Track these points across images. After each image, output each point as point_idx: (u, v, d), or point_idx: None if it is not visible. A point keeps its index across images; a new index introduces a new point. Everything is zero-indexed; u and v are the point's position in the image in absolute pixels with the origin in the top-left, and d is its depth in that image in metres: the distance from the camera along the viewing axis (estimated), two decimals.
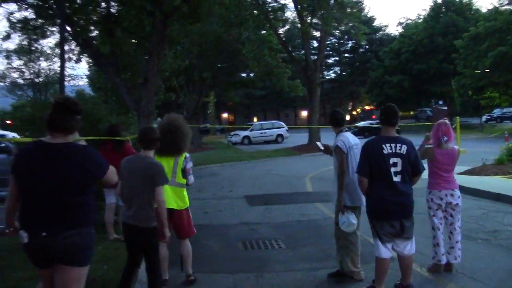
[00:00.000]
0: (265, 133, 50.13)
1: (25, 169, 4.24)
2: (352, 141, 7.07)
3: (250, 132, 50.58)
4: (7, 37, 22.54)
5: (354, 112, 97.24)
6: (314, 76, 35.80)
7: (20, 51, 42.35)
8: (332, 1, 27.47)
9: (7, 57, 48.79)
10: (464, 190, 14.19)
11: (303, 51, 40.06)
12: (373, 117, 78.83)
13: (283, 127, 51.04)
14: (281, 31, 40.43)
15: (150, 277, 5.95)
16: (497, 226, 10.23)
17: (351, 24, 37.64)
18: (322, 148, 8.05)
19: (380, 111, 6.65)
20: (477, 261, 7.82)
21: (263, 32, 33.15)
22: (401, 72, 64.64)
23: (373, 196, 6.25)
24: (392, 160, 6.14)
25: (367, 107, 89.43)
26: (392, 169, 6.14)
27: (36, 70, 61.64)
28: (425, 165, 7.00)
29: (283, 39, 37.38)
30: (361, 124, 56.89)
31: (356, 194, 6.88)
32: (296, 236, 10.10)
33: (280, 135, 49.46)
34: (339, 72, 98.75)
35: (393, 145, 6.20)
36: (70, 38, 18.62)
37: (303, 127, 34.28)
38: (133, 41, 19.10)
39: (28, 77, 61.69)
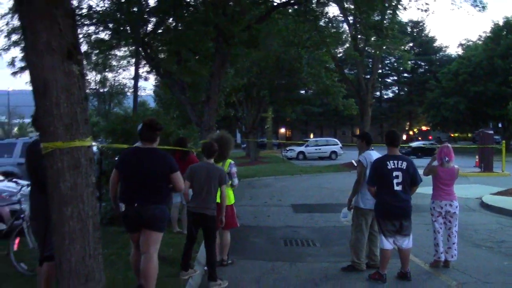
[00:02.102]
0: (319, 149, 51.55)
1: (127, 164, 6.75)
2: (375, 158, 8.83)
3: (305, 148, 52.13)
4: (87, 57, 24.71)
5: (410, 132, 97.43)
6: (366, 97, 37.20)
7: (95, 68, 44.94)
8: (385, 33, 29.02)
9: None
10: (489, 208, 15.84)
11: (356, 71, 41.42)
12: (430, 137, 79.29)
13: (337, 144, 52.22)
14: (338, 50, 41.90)
15: (208, 254, 8.04)
16: (505, 238, 11.73)
17: (397, 51, 38.66)
18: (355, 164, 9.94)
19: (385, 135, 8.61)
20: (473, 261, 9.49)
21: (320, 51, 34.56)
22: (458, 94, 64.01)
23: (379, 200, 8.17)
24: (394, 173, 8.06)
25: (424, 128, 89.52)
26: (395, 180, 8.04)
27: (102, 80, 63.94)
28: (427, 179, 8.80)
29: (338, 60, 38.88)
30: (415, 144, 57.65)
31: (372, 200, 8.62)
32: (331, 238, 11.84)
33: (334, 152, 50.63)
34: (397, 91, 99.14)
35: (395, 161, 8.11)
36: (142, 57, 20.77)
37: (354, 145, 35.60)
38: (197, 58, 21.03)
39: (94, 87, 64.19)
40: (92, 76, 58.24)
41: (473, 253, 10.14)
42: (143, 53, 19.90)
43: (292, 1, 18.90)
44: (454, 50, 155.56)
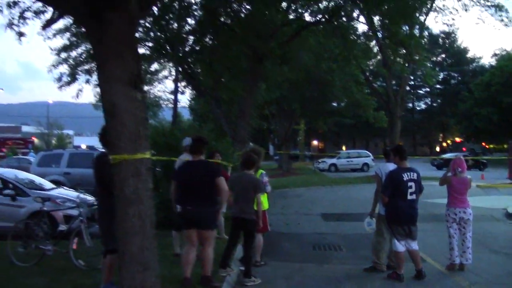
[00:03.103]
0: (351, 161, 52.23)
1: (182, 174, 8.26)
2: (390, 169, 9.84)
3: (337, 160, 52.86)
4: None
5: (444, 144, 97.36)
6: (395, 109, 38.04)
7: None
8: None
9: None
10: None
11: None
12: (463, 149, 79.18)
13: (369, 156, 52.71)
14: (368, 63, 42.63)
15: (245, 253, 9.16)
16: None
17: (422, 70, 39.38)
18: None
19: (395, 149, 9.86)
20: (487, 265, 10.43)
21: (350, 65, 35.27)
22: (491, 105, 63.83)
23: (394, 208, 9.21)
24: (409, 184, 9.18)
25: (457, 139, 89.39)
26: (409, 190, 9.14)
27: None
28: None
29: (368, 73, 39.68)
30: (447, 156, 57.93)
31: None
32: (356, 244, 12.80)
33: (365, 164, 51.09)
34: (429, 102, 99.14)
35: (409, 173, 9.27)
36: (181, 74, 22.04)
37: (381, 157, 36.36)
38: (230, 74, 22.18)
39: None
40: None
41: (489, 258, 11.05)
42: (180, 69, 21.15)
43: (322, 20, 19.86)
44: (488, 60, 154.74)
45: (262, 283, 8.97)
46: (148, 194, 6.26)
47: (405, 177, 9.21)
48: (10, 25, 9.61)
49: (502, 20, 28.58)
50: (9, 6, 9.53)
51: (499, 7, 29.19)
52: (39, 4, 9.87)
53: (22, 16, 9.71)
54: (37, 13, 10.22)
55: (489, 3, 28.68)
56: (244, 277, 8.95)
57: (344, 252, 11.91)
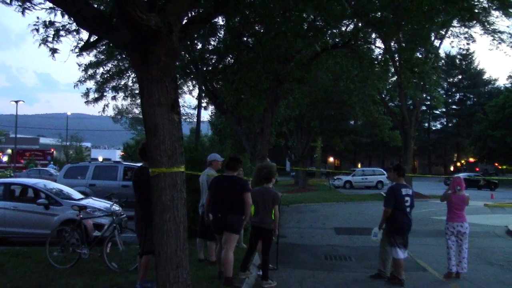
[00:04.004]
0: (366, 179, 52.96)
1: (216, 186, 9.43)
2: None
3: (352, 177, 53.64)
4: None
5: (458, 164, 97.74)
6: (409, 130, 38.92)
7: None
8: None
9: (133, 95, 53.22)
10: None
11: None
12: (477, 169, 79.70)
13: (384, 174, 53.27)
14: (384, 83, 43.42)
15: (263, 259, 10.14)
16: None
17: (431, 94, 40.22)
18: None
19: (395, 167, 10.95)
20: (481, 274, 11.42)
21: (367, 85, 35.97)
22: (505, 127, 64.74)
23: (396, 220, 10.31)
24: (406, 198, 10.33)
25: (471, 159, 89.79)
26: (406, 204, 10.30)
27: None
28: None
29: (383, 94, 40.50)
30: (460, 175, 58.47)
31: None
32: (366, 255, 13.72)
33: (380, 182, 51.68)
34: (445, 123, 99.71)
35: (406, 189, 10.46)
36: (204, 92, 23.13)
37: None
38: (251, 92, 23.14)
39: None
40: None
41: (484, 269, 12.03)
42: (204, 88, 22.24)
43: (340, 44, 20.76)
44: (503, 82, 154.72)
45: (277, 286, 9.95)
46: (182, 202, 7.30)
47: (403, 192, 10.40)
48: (44, 41, 10.38)
49: None
50: (45, 25, 10.35)
51: (511, 34, 30.08)
52: (74, 24, 10.65)
53: (57, 35, 10.48)
54: (71, 31, 10.99)
55: (499, 31, 29.52)
56: (262, 279, 9.95)
57: (353, 262, 12.83)
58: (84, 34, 12.97)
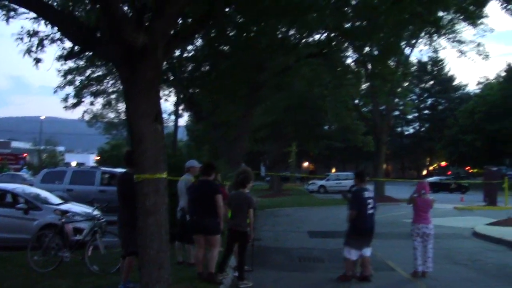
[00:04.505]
0: (340, 183, 53.59)
1: (193, 191, 10.10)
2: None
3: (326, 181, 54.37)
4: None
5: (430, 168, 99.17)
6: (381, 135, 39.80)
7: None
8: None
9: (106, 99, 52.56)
10: (479, 236, 18.34)
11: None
12: (448, 173, 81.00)
13: None
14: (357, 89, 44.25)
15: (239, 261, 10.65)
16: (481, 258, 14.24)
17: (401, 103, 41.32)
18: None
19: (356, 173, 11.83)
20: (446, 273, 12.07)
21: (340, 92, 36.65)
22: (475, 132, 66.05)
23: (359, 221, 10.98)
24: (368, 201, 11.00)
25: (443, 163, 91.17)
26: (369, 206, 10.95)
27: None
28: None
29: (357, 100, 41.23)
30: (431, 179, 59.52)
31: None
32: (339, 257, 14.08)
33: (353, 186, 52.33)
34: (418, 128, 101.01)
35: (367, 192, 11.16)
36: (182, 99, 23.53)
37: (374, 179, 38.34)
38: (228, 99, 23.58)
39: (124, 117, 65.97)
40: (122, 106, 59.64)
41: (449, 268, 12.71)
42: (181, 95, 22.66)
43: (314, 54, 21.32)
44: (473, 88, 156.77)
45: (253, 286, 10.45)
46: (164, 207, 7.81)
47: (366, 195, 11.08)
48: (28, 51, 10.64)
49: (480, 55, 30.47)
50: (29, 35, 10.67)
51: (478, 44, 31.17)
52: (58, 33, 10.94)
53: (41, 44, 10.76)
54: (55, 40, 11.26)
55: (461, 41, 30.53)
56: (238, 280, 10.45)
57: (326, 263, 13.38)
58: (68, 42, 13.27)
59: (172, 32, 8.08)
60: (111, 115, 54.51)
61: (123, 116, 63.20)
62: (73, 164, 66.73)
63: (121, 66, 7.70)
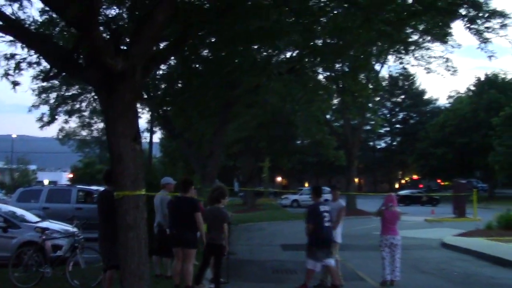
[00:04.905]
0: None
1: (172, 207, 10.58)
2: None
3: (299, 196, 54.79)
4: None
5: (402, 181, 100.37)
6: (352, 149, 40.59)
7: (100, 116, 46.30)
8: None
9: (80, 117, 51.74)
10: (446, 246, 18.98)
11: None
12: (420, 186, 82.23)
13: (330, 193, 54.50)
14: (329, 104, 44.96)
15: (215, 273, 11.07)
16: (447, 267, 14.96)
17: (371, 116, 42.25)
18: None
19: (312, 189, 12.74)
20: (413, 281, 12.82)
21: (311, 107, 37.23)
22: (445, 145, 66.86)
23: (317, 234, 11.43)
24: (324, 214, 11.50)
25: (415, 176, 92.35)
26: (325, 219, 11.45)
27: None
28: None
29: (329, 115, 41.97)
30: (403, 192, 60.38)
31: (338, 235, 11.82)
32: (302, 267, 14.79)
33: (326, 200, 52.79)
34: (389, 141, 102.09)
35: (324, 206, 11.78)
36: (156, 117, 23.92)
37: (346, 193, 39.12)
38: (201, 116, 23.99)
39: (96, 135, 65.44)
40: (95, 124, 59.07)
41: (416, 277, 13.43)
42: (155, 114, 23.06)
43: (286, 71, 21.82)
44: (443, 102, 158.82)
45: None
46: (143, 222, 8.23)
47: (321, 209, 11.64)
48: (6, 75, 10.84)
49: (449, 70, 31.25)
50: (6, 58, 10.93)
51: (446, 59, 31.97)
52: (34, 56, 11.21)
53: (18, 67, 11.00)
54: (32, 64, 11.52)
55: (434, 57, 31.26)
56: None
57: (299, 274, 13.80)
58: (45, 63, 13.55)
59: (149, 55, 8.52)
60: (84, 133, 54.01)
61: (95, 134, 63.11)
62: (46, 182, 66.41)
63: (100, 89, 8.12)
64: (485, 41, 13.88)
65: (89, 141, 66.94)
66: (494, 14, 13.83)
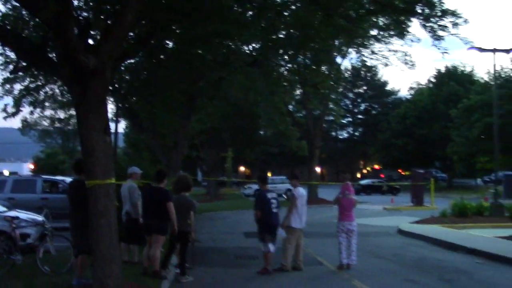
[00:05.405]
0: (275, 187, 54.72)
1: (145, 195, 11.25)
2: (301, 192, 12.73)
3: None
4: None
5: (364, 171, 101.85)
6: (314, 140, 41.45)
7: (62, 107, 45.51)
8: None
9: (42, 107, 50.92)
10: (402, 233, 19.86)
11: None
12: (381, 176, 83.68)
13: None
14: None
15: (180, 259, 11.74)
16: (401, 252, 15.89)
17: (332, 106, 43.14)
18: (285, 197, 13.87)
19: (258, 177, 13.39)
20: (368, 265, 13.59)
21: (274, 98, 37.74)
22: (406, 136, 68.43)
23: (266, 220, 12.30)
24: (272, 201, 12.32)
25: (376, 166, 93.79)
26: (272, 205, 12.27)
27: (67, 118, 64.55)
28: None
29: (292, 105, 42.67)
30: (364, 182, 61.58)
31: (299, 220, 12.53)
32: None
33: (289, 189, 53.46)
34: (352, 132, 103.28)
35: (271, 193, 12.60)
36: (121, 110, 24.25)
37: (309, 183, 40.01)
38: (165, 108, 24.34)
39: (58, 125, 64.41)
40: (57, 114, 57.80)
41: (371, 261, 14.27)
42: (120, 105, 23.41)
43: (247, 63, 22.29)
44: (406, 92, 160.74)
45: (193, 281, 11.56)
46: (113, 209, 8.77)
47: (269, 196, 12.47)
48: None
49: (407, 63, 32.10)
50: None
51: (405, 53, 32.85)
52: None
53: None
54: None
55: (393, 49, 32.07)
56: (180, 275, 11.57)
57: (260, 260, 14.26)
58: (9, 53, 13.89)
59: (118, 53, 9.01)
60: (45, 123, 53.29)
61: (58, 125, 62.30)
62: (6, 173, 65.68)
63: (73, 85, 8.61)
64: (438, 38, 14.59)
65: (52, 131, 66.45)
66: (447, 13, 14.58)
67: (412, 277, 12.18)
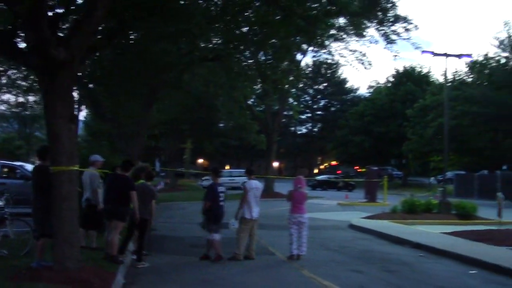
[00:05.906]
0: (233, 179, 55.35)
1: (109, 182, 11.57)
2: (253, 184, 13.26)
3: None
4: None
5: (321, 167, 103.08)
6: (272, 134, 42.18)
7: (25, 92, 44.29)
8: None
9: None
10: (353, 227, 20.64)
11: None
12: (338, 172, 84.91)
13: None
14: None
15: (138, 245, 12.30)
16: (349, 245, 16.67)
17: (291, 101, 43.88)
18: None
19: (212, 170, 14.05)
20: (317, 256, 14.28)
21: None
22: (364, 133, 69.74)
23: (214, 211, 13.01)
24: (221, 194, 13.06)
25: (333, 162, 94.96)
26: (221, 199, 13.02)
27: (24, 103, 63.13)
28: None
29: (251, 100, 43.33)
30: (320, 177, 62.59)
31: (255, 210, 13.13)
32: (224, 245, 15.92)
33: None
34: (310, 127, 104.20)
35: (220, 187, 13.29)
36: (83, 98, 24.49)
37: (260, 176, 40.60)
38: (128, 97, 24.63)
39: (15, 110, 62.96)
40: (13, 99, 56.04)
41: (321, 253, 15.02)
42: (83, 93, 23.65)
43: (209, 58, 22.76)
44: (365, 90, 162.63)
45: (149, 267, 12.07)
46: (76, 194, 9.20)
47: (219, 189, 13.23)
48: None
49: (363, 63, 33.02)
50: None
51: (363, 54, 33.79)
52: None
53: None
54: None
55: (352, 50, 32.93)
56: (136, 261, 12.10)
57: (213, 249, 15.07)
58: None
59: (87, 46, 9.42)
60: (2, 107, 52.37)
61: (15, 110, 60.95)
62: None
63: (41, 74, 9.00)
64: (391, 42, 15.22)
65: (9, 116, 65.30)
66: (399, 18, 15.25)
67: (358, 268, 12.87)
